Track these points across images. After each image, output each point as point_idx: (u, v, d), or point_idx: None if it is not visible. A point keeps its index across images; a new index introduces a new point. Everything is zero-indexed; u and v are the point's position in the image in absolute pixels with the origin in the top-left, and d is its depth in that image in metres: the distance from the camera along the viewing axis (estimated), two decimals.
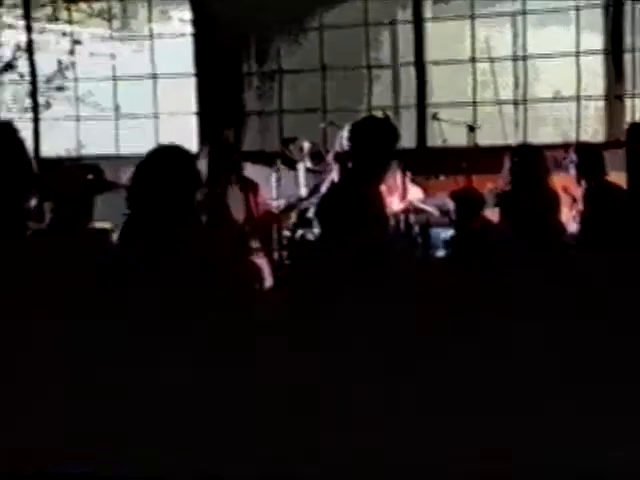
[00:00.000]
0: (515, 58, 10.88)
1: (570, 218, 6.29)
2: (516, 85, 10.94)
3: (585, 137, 10.34)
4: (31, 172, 7.82)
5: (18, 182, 7.59)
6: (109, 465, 3.10)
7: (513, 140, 10.31)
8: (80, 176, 5.00)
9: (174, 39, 12.06)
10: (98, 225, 6.10)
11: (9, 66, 11.52)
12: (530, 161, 5.95)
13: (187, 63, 12.00)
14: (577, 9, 10.60)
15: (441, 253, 5.90)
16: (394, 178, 7.06)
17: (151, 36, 12.17)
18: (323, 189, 4.86)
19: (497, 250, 4.93)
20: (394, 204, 6.59)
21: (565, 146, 7.28)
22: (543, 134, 10.78)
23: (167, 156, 3.79)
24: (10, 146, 7.73)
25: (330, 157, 4.83)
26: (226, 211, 7.62)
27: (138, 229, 3.70)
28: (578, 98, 10.70)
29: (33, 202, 7.78)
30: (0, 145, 7.68)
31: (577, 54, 10.61)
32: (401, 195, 6.81)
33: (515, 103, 10.93)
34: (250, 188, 7.99)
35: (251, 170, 10.81)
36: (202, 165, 6.63)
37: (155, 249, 3.47)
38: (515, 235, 5.52)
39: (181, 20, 12.04)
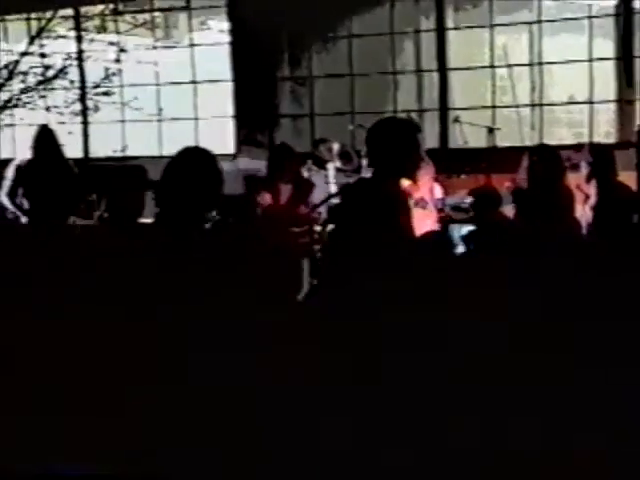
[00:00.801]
0: (531, 64, 10.83)
1: (583, 215, 6.25)
2: (532, 89, 10.89)
3: (597, 138, 10.27)
4: (71, 171, 7.90)
5: (59, 181, 7.68)
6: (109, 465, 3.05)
7: (530, 141, 10.28)
8: (132, 176, 5.03)
9: (212, 47, 12.10)
10: (143, 221, 6.13)
11: (61, 73, 11.60)
12: (547, 160, 5.92)
13: (224, 70, 12.03)
14: (590, 18, 10.54)
15: (460, 249, 5.86)
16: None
17: (191, 45, 12.22)
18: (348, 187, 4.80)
19: (513, 244, 4.89)
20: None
21: (578, 147, 7.25)
22: (558, 135, 10.72)
23: (191, 157, 3.79)
24: (50, 147, 7.82)
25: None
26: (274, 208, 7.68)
27: (164, 226, 3.69)
28: (591, 102, 10.64)
29: (78, 199, 7.87)
30: (41, 146, 7.78)
31: (590, 60, 10.55)
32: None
33: (532, 106, 10.88)
34: (306, 187, 8.08)
35: None
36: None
37: (180, 246, 3.45)
38: (531, 230, 5.49)
39: (219, 30, 12.07)
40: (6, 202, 7.86)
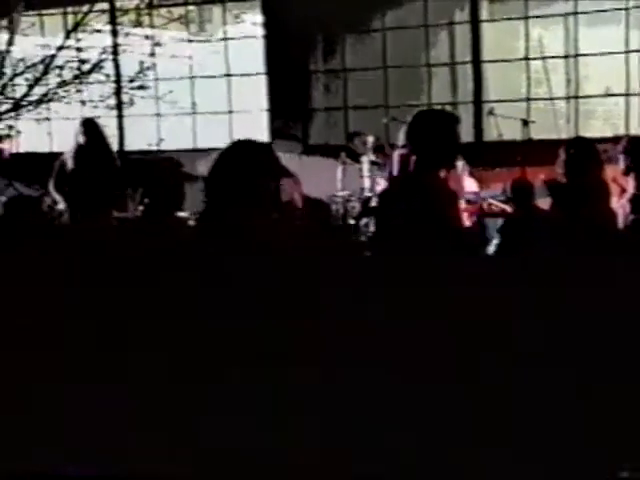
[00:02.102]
0: (567, 56, 10.75)
1: (619, 207, 6.21)
2: (568, 82, 10.81)
3: (633, 131, 10.18)
4: (114, 164, 7.95)
5: (103, 173, 7.73)
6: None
7: (565, 134, 10.21)
8: (172, 169, 5.05)
9: (246, 41, 12.12)
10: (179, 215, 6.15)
11: (96, 67, 11.67)
12: (583, 153, 5.88)
13: (258, 63, 12.05)
14: (626, 9, 10.44)
15: (495, 241, 5.84)
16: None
17: (225, 38, 12.25)
18: (385, 180, 4.81)
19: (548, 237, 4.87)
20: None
21: (614, 139, 7.18)
22: (593, 128, 10.64)
23: (246, 149, 3.75)
24: (95, 140, 7.87)
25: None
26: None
27: (215, 218, 3.66)
28: (627, 94, 10.55)
29: (118, 192, 7.92)
30: (87, 139, 7.84)
31: (626, 52, 10.45)
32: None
33: (567, 99, 10.80)
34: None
35: (318, 162, 10.87)
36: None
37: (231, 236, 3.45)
38: (567, 223, 5.46)
39: (253, 23, 12.09)
40: (54, 194, 7.93)
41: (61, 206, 7.79)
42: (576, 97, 10.78)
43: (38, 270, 3.23)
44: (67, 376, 3.12)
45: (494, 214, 7.23)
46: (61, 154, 8.20)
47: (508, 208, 6.60)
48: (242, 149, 3.73)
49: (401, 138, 4.62)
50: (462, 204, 5.45)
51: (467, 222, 4.49)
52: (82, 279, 3.17)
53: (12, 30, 11.50)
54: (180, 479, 3.00)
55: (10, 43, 11.47)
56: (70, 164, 7.91)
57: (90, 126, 8.06)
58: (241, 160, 3.66)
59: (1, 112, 11.44)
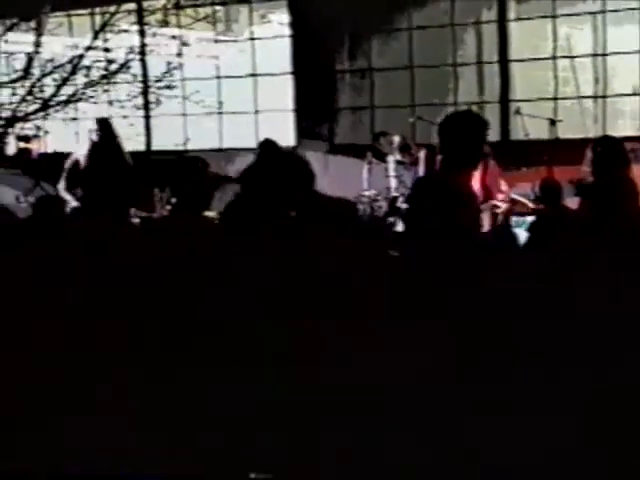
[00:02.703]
0: (595, 55, 10.68)
1: None
2: (596, 81, 10.74)
3: None
4: (126, 164, 7.98)
5: (113, 173, 7.76)
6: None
7: (592, 133, 10.14)
8: (200, 168, 5.05)
9: (273, 40, 12.14)
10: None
11: (124, 67, 11.72)
12: (611, 152, 5.84)
13: (285, 63, 12.06)
14: None
15: (523, 239, 5.80)
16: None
17: (252, 38, 12.27)
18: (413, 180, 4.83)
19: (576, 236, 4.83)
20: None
21: None
22: (621, 127, 10.56)
23: (272, 152, 3.77)
24: (107, 140, 7.90)
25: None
26: None
27: (246, 216, 3.68)
28: None
29: (135, 192, 7.95)
30: (99, 138, 7.87)
31: None
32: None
33: (594, 98, 10.73)
34: None
35: (344, 162, 10.87)
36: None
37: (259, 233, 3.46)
38: (594, 222, 5.42)
39: (279, 23, 12.10)
40: (64, 194, 7.97)
41: (72, 205, 7.83)
42: (604, 96, 10.71)
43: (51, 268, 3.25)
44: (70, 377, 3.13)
45: (524, 213, 7.20)
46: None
47: (536, 207, 6.57)
48: (274, 153, 3.75)
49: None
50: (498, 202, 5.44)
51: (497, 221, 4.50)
52: (89, 279, 3.19)
53: (40, 31, 11.57)
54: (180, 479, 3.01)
55: (38, 44, 11.54)
56: (81, 164, 7.95)
57: (103, 126, 8.09)
58: (274, 164, 3.68)
59: (29, 112, 11.51)
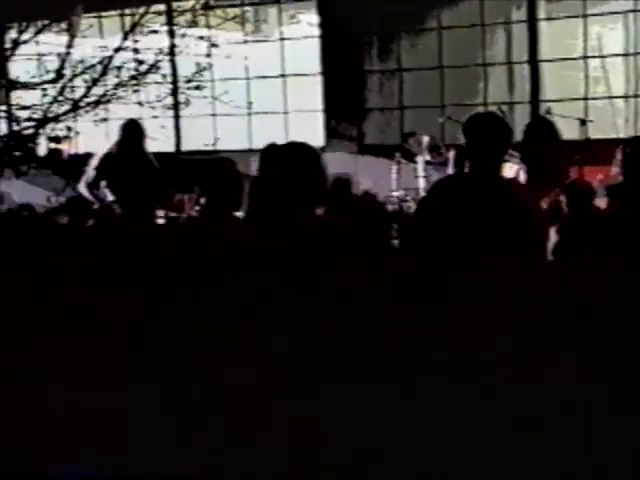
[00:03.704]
0: (626, 54, 10.61)
1: None
2: (627, 80, 10.66)
3: None
4: (151, 165, 8.02)
5: (139, 174, 7.81)
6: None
7: (623, 133, 10.08)
8: (229, 169, 5.07)
9: (302, 41, 12.16)
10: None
11: (153, 68, 11.77)
12: None
13: (314, 63, 12.08)
14: None
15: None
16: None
17: (281, 38, 12.30)
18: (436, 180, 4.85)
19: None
20: None
21: None
22: None
23: (294, 151, 3.78)
24: (134, 141, 7.95)
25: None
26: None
27: (263, 218, 3.69)
28: None
29: (161, 192, 8.00)
30: (126, 139, 7.93)
31: None
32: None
33: (626, 98, 10.66)
34: None
35: (373, 162, 10.87)
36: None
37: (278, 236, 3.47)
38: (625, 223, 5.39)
39: (309, 23, 12.12)
40: (85, 192, 8.03)
41: (96, 205, 7.90)
42: (635, 96, 10.63)
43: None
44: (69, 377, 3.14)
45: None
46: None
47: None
48: (291, 152, 3.77)
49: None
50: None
51: None
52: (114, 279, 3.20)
53: (72, 32, 11.66)
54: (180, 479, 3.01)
55: (70, 45, 11.63)
56: (104, 164, 8.01)
57: (130, 127, 8.14)
58: (288, 160, 3.70)
59: (60, 113, 11.61)
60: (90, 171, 8.08)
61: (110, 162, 8.01)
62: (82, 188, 8.09)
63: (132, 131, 8.11)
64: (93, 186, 8.02)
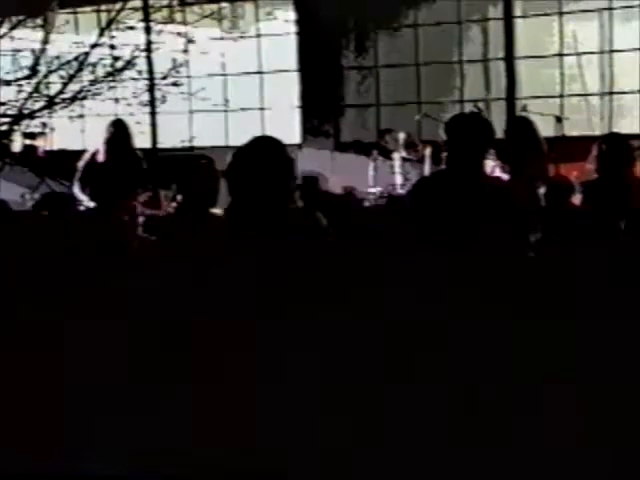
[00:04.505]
0: (602, 52, 10.66)
1: None
2: (602, 78, 10.71)
3: None
4: (139, 163, 7.99)
5: (126, 172, 7.77)
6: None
7: (599, 130, 10.12)
8: (207, 166, 5.05)
9: (279, 38, 12.13)
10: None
11: (129, 64, 11.72)
12: (617, 150, 5.82)
13: (290, 60, 12.06)
14: None
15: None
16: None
17: (258, 35, 12.27)
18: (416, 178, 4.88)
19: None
20: None
21: None
22: (627, 124, 10.53)
23: (262, 146, 3.78)
24: (121, 141, 7.91)
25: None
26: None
27: (239, 215, 3.69)
28: None
29: (144, 191, 7.95)
30: (113, 139, 7.88)
31: None
32: None
33: (601, 95, 10.71)
34: None
35: (350, 159, 10.86)
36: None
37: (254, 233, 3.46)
38: (599, 220, 5.42)
39: (285, 20, 12.09)
40: (79, 194, 7.96)
41: (86, 204, 7.83)
42: (610, 93, 10.68)
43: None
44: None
45: None
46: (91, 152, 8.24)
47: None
48: (260, 146, 3.76)
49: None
50: None
51: None
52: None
53: (47, 28, 11.58)
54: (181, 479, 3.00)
55: (45, 41, 11.55)
56: (94, 163, 7.95)
57: (117, 127, 8.09)
58: (259, 157, 3.69)
59: (35, 109, 11.53)
60: (80, 171, 8.01)
61: (100, 163, 7.94)
62: (76, 191, 8.01)
63: (121, 131, 8.06)
64: (84, 185, 7.95)
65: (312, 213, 3.74)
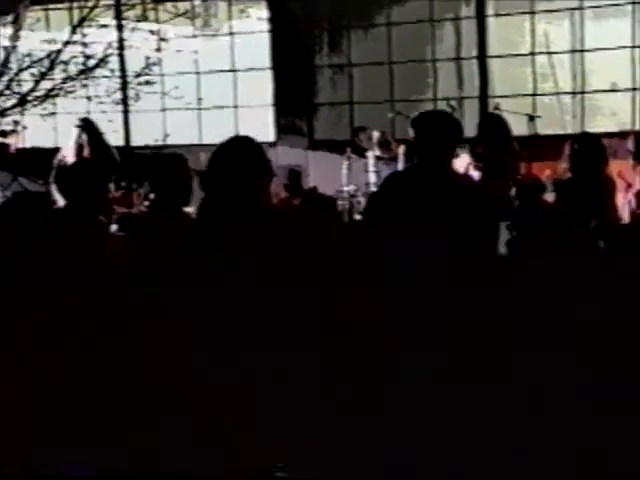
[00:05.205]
0: (573, 51, 10.72)
1: (625, 202, 6.18)
2: (574, 77, 10.77)
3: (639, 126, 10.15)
4: (114, 161, 7.94)
5: (101, 170, 7.71)
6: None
7: (571, 129, 10.18)
8: (181, 165, 5.02)
9: (252, 36, 12.10)
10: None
11: (102, 62, 11.65)
12: (589, 148, 5.86)
13: (264, 58, 12.03)
14: (633, 3, 10.40)
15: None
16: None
17: (231, 33, 12.23)
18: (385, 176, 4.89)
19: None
20: None
21: (620, 134, 7.16)
22: (599, 123, 10.60)
23: (239, 145, 3.81)
24: (94, 139, 7.87)
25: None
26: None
27: (212, 212, 3.71)
28: (634, 89, 10.50)
29: (119, 188, 7.90)
30: (85, 138, 7.84)
31: (633, 47, 10.41)
32: None
33: (573, 94, 10.77)
34: None
35: (323, 157, 10.86)
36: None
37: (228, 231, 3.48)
38: (572, 218, 5.44)
39: (258, 18, 12.07)
40: (57, 195, 7.89)
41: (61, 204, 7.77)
42: (582, 92, 10.74)
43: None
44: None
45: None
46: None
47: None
48: (238, 145, 3.79)
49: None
50: None
51: None
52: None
53: (18, 25, 11.49)
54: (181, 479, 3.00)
55: (16, 38, 11.46)
56: (69, 163, 7.89)
57: (86, 126, 8.04)
58: (237, 155, 3.72)
59: (7, 107, 11.44)
60: (55, 173, 7.93)
61: (74, 163, 7.88)
62: (54, 191, 7.94)
63: (91, 130, 8.01)
64: (60, 185, 7.87)
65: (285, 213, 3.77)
